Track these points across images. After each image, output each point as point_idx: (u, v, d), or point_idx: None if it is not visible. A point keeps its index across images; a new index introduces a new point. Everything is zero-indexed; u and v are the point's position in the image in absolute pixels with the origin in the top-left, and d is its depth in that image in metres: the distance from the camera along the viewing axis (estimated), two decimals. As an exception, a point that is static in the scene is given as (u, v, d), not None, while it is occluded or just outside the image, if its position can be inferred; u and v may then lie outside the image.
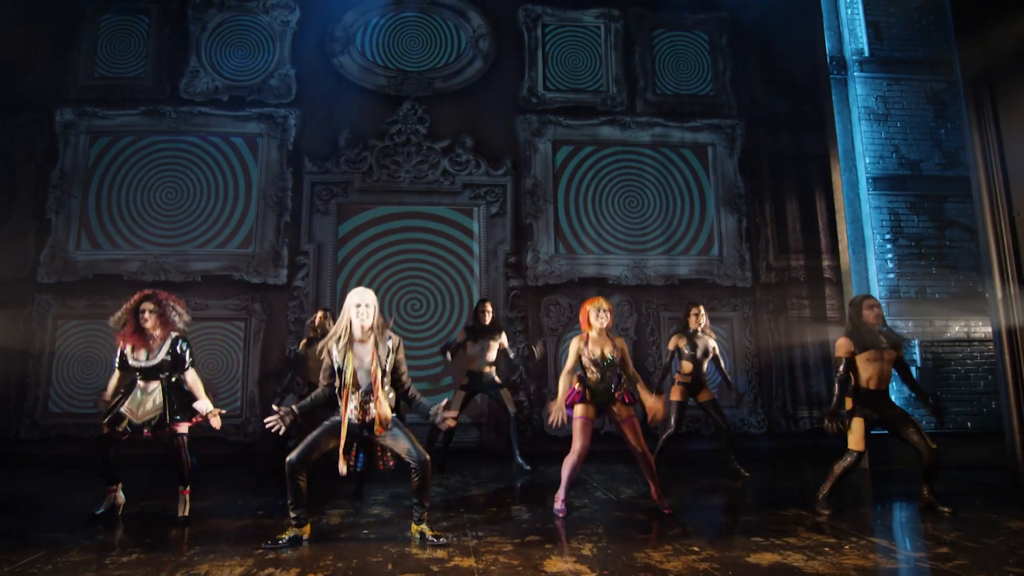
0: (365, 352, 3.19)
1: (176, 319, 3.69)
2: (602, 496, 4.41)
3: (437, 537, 3.20)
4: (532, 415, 6.52)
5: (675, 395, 5.07)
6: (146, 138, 6.68)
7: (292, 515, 3.17)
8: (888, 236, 5.97)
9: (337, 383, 3.20)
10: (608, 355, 3.75)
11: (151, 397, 3.64)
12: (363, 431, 3.23)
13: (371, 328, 3.20)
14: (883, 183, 6.07)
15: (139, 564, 2.92)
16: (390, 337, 3.26)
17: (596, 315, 3.78)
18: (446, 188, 6.80)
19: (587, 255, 6.87)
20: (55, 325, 6.34)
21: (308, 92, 6.87)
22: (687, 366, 5.09)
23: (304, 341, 5.42)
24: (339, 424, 3.16)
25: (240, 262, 6.57)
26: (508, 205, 6.84)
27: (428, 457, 3.21)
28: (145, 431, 3.62)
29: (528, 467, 5.31)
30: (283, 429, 3.21)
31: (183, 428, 3.72)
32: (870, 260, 6.00)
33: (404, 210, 6.75)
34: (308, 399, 3.29)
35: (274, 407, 3.29)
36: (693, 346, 5.07)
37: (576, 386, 3.78)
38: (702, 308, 5.18)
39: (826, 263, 6.97)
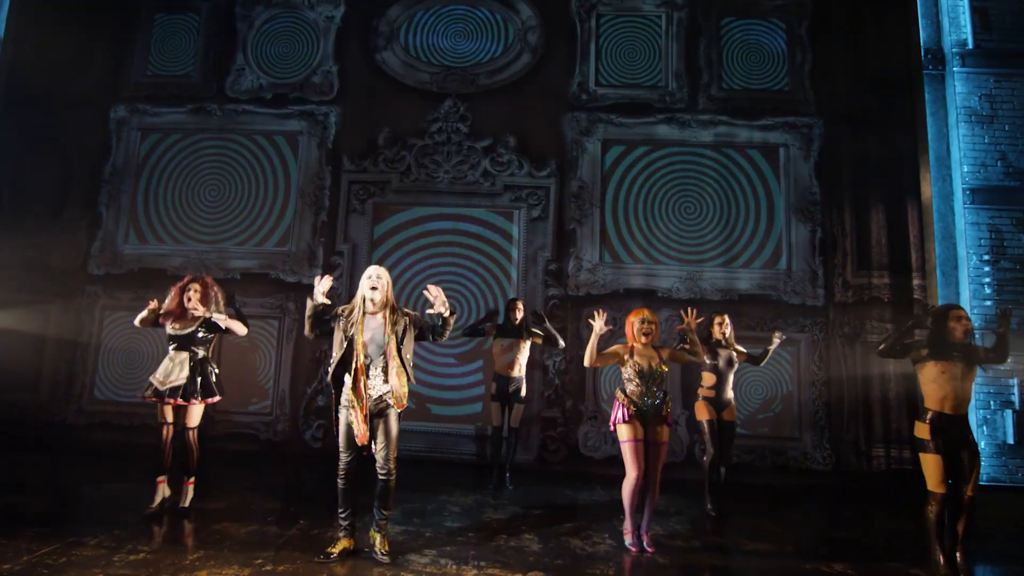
0: (377, 325, 3.30)
1: (215, 304, 4.16)
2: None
3: (384, 553, 3.33)
4: (567, 435, 6.36)
5: (701, 413, 4.86)
6: (193, 136, 7.05)
7: (343, 519, 3.40)
8: (987, 257, 5.36)
9: (346, 355, 3.30)
10: (655, 368, 3.75)
11: (178, 367, 4.06)
12: (377, 407, 3.32)
13: (384, 304, 3.31)
14: (983, 195, 5.45)
15: (143, 564, 3.15)
16: (406, 312, 3.39)
17: (640, 326, 3.80)
18: (486, 190, 6.75)
19: (635, 264, 6.62)
20: (102, 316, 6.82)
21: (349, 89, 7.01)
22: (710, 378, 4.87)
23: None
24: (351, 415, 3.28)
25: (276, 260, 6.80)
26: (551, 209, 6.70)
27: (393, 470, 3.31)
28: (167, 399, 4.02)
29: (511, 487, 5.26)
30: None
31: (198, 410, 4.08)
32: (963, 283, 5.42)
33: (441, 212, 6.75)
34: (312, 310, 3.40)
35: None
36: (715, 355, 4.87)
37: (620, 399, 3.78)
38: (727, 317, 5.01)
39: (916, 282, 6.36)
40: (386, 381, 3.29)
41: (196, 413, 4.10)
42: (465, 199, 6.76)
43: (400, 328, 3.34)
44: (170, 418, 4.09)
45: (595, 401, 6.45)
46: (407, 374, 3.34)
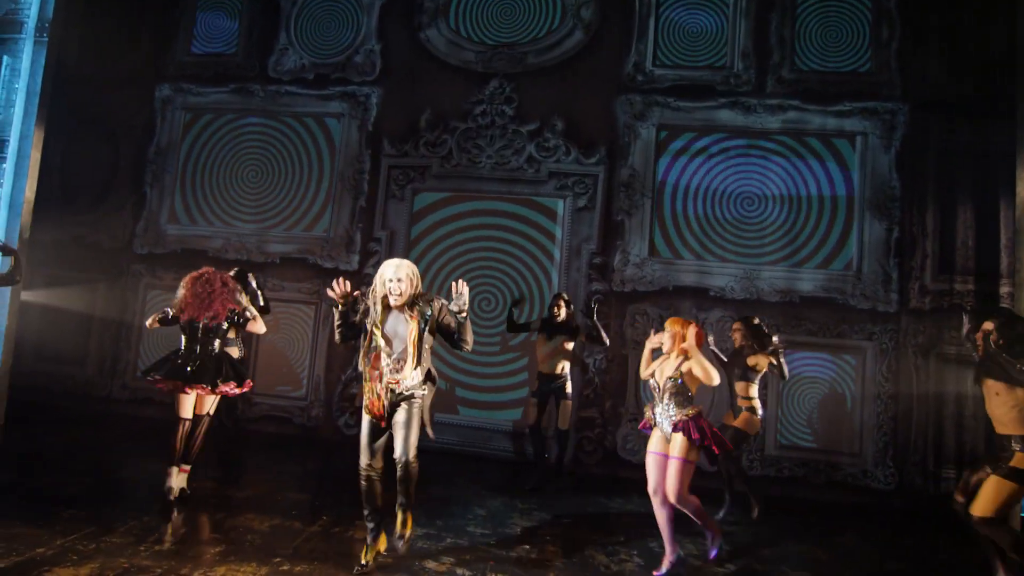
0: (400, 321, 3.24)
1: (240, 294, 4.30)
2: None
3: (401, 536, 3.27)
4: (605, 436, 6.23)
5: (747, 424, 4.69)
6: (235, 116, 7.14)
7: (369, 521, 3.31)
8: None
9: (366, 346, 3.27)
10: (668, 376, 3.60)
11: (197, 357, 4.08)
12: (396, 398, 3.27)
13: (405, 303, 3.23)
14: (1093, 197, 4.92)
15: (166, 556, 3.24)
16: (431, 301, 3.29)
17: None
18: (530, 176, 6.59)
19: (686, 260, 6.35)
20: (145, 294, 7.08)
21: (392, 69, 6.92)
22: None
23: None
24: (388, 418, 3.24)
25: (315, 245, 6.87)
26: (598, 198, 6.48)
27: (412, 459, 3.20)
28: (186, 388, 4.05)
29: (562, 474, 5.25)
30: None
31: (212, 398, 4.17)
32: (1062, 296, 4.93)
33: (483, 200, 6.63)
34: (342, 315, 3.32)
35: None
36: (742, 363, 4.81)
37: (647, 412, 3.74)
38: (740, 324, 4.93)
39: (1004, 290, 5.86)
40: (406, 372, 3.23)
41: (211, 401, 4.21)
42: (508, 186, 6.62)
43: (425, 320, 3.27)
44: (187, 413, 4.14)
45: (636, 403, 6.28)
46: (431, 370, 3.32)
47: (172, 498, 4.03)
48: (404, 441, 3.20)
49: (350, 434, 6.49)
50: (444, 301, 3.35)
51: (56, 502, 3.82)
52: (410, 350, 3.21)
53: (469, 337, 3.35)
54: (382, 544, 3.35)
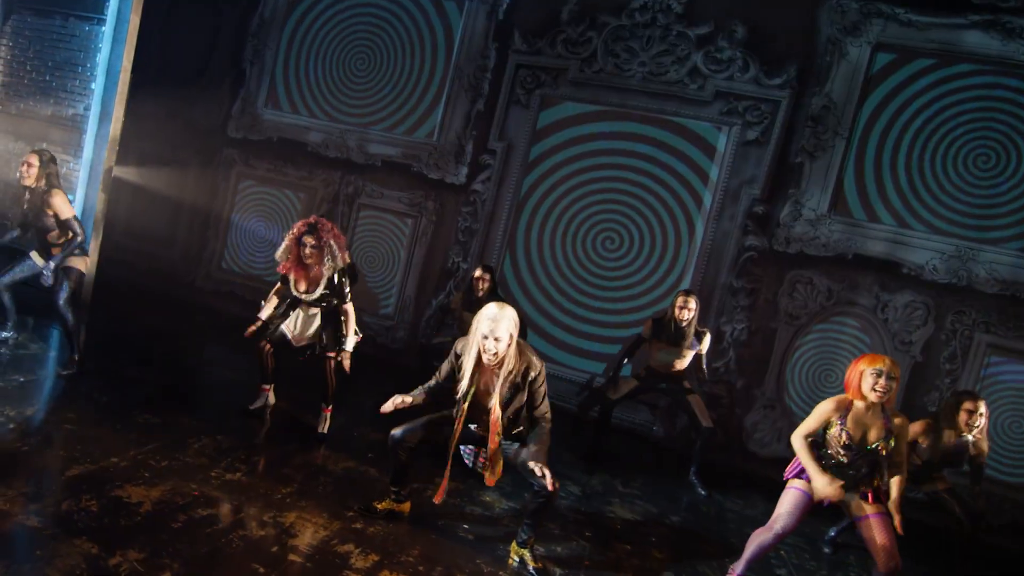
0: (494, 382, 2.99)
1: (330, 257, 3.95)
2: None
3: (538, 571, 3.02)
4: (729, 418, 5.69)
5: None
6: (347, -12, 6.75)
7: (392, 488, 3.26)
8: None
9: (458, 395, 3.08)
10: (872, 443, 3.03)
11: (312, 322, 4.10)
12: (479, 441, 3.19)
13: (502, 362, 2.93)
14: None
15: (236, 488, 3.20)
16: (529, 366, 2.97)
17: (875, 381, 2.96)
18: (690, 94, 5.76)
19: (876, 225, 5.41)
20: (237, 182, 7.07)
21: (536, -59, 6.17)
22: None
23: (459, 295, 5.52)
24: (452, 422, 3.08)
25: (421, 152, 6.51)
26: (774, 131, 5.58)
27: (553, 488, 2.88)
28: (300, 357, 4.14)
29: (704, 492, 4.64)
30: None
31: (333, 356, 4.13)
32: None
33: (624, 120, 5.90)
34: (425, 389, 3.21)
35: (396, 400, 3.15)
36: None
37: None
38: (983, 405, 3.87)
39: None
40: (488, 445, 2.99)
41: (346, 362, 4.14)
42: (659, 103, 5.84)
43: (513, 389, 2.95)
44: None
45: (777, 388, 5.65)
46: (502, 456, 3.00)
47: (252, 408, 4.23)
48: (537, 465, 2.89)
49: (434, 365, 6.36)
50: (542, 365, 3.01)
51: (133, 403, 3.91)
52: (496, 428, 2.93)
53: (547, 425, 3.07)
54: (407, 507, 3.33)
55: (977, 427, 3.85)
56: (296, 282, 4.04)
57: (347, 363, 4.10)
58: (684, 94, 5.76)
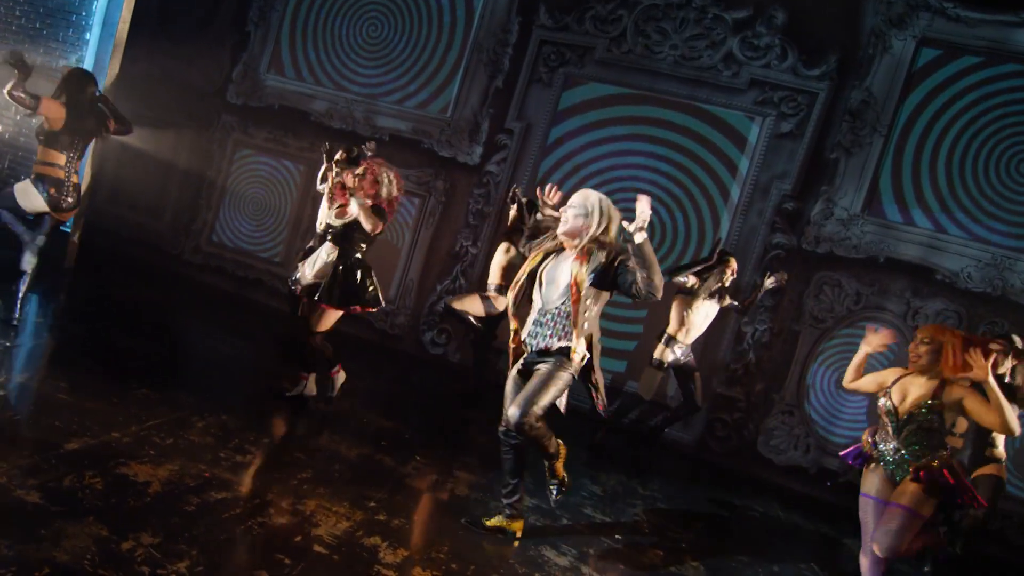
0: (565, 263, 2.90)
1: (384, 191, 3.88)
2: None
3: (561, 485, 3.14)
4: (745, 423, 5.64)
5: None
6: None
7: (505, 501, 3.09)
8: None
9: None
10: (915, 410, 2.96)
11: (326, 264, 3.92)
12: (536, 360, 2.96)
13: (578, 243, 2.86)
14: None
15: (249, 471, 3.08)
16: (607, 247, 2.89)
17: (912, 349, 3.09)
18: (723, 81, 5.67)
19: (911, 228, 5.38)
20: (234, 150, 6.85)
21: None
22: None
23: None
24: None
25: (433, 128, 6.35)
26: (810, 125, 5.51)
27: (525, 420, 2.78)
28: (304, 298, 4.01)
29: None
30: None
31: (331, 316, 3.94)
32: None
33: (652, 105, 5.80)
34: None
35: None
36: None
37: (864, 437, 3.28)
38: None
39: None
40: (557, 336, 2.88)
41: (327, 319, 3.93)
42: (690, 89, 5.75)
43: (590, 267, 2.80)
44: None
45: (796, 393, 5.60)
46: (589, 336, 2.88)
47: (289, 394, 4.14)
48: (523, 406, 2.79)
49: (436, 354, 6.27)
50: (620, 246, 2.84)
51: (127, 375, 3.76)
52: (569, 308, 2.82)
53: (654, 275, 2.63)
54: (520, 527, 3.13)
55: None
56: (332, 202, 3.95)
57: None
58: (717, 81, 5.67)
